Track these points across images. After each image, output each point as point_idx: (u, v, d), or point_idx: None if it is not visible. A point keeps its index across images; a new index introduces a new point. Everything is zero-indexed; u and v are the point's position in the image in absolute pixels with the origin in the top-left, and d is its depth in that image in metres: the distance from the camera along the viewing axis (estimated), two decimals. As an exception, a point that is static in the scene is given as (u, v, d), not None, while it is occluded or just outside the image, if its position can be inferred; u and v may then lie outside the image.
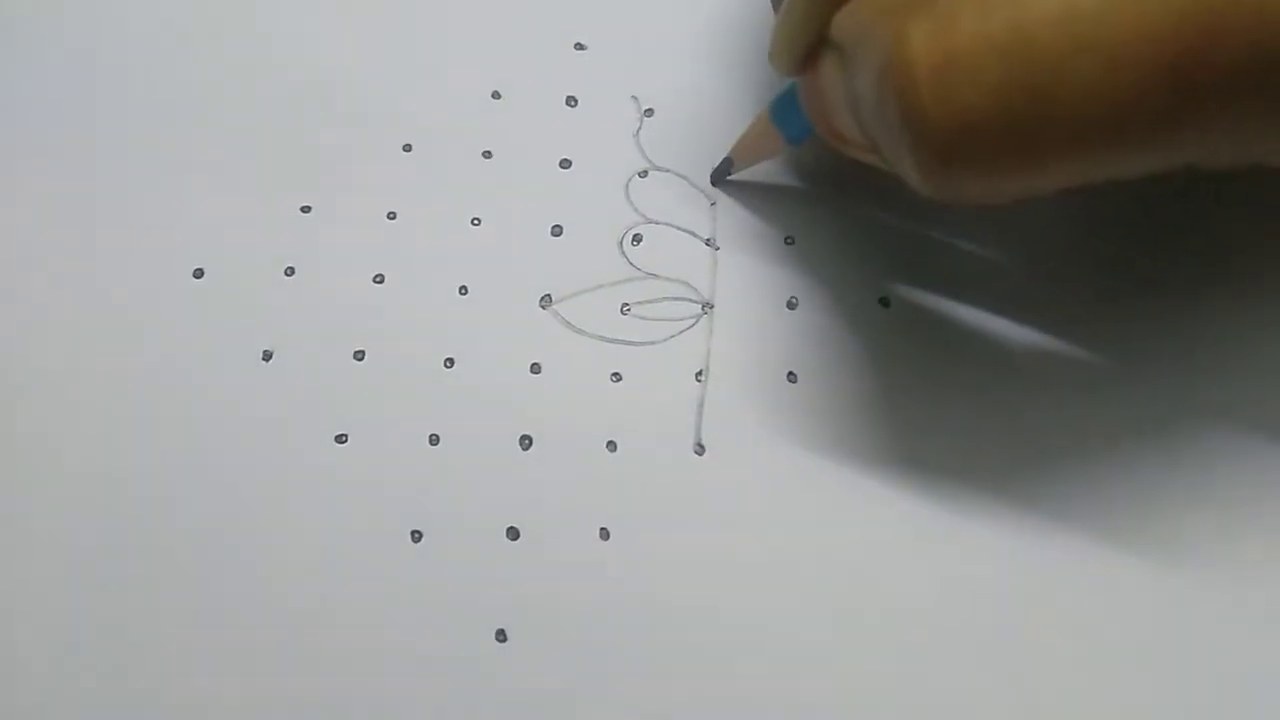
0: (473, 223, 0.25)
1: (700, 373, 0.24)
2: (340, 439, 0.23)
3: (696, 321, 0.24)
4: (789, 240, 0.25)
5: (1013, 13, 0.16)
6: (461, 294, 0.25)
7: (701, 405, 0.23)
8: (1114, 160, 0.16)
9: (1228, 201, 0.25)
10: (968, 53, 0.16)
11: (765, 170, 0.26)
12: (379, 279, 0.25)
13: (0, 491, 0.23)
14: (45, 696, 0.21)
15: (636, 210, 0.26)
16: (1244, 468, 0.23)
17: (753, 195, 0.26)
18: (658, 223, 0.26)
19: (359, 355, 0.24)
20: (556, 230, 0.25)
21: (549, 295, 0.25)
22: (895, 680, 0.21)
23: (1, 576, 0.22)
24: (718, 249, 0.25)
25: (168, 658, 0.21)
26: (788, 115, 0.23)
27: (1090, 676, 0.21)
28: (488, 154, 0.26)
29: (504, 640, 0.22)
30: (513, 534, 0.22)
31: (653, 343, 0.24)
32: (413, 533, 0.22)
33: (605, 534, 0.22)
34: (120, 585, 0.22)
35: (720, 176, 0.26)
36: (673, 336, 0.24)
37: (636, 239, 0.25)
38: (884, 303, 0.24)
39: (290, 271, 0.25)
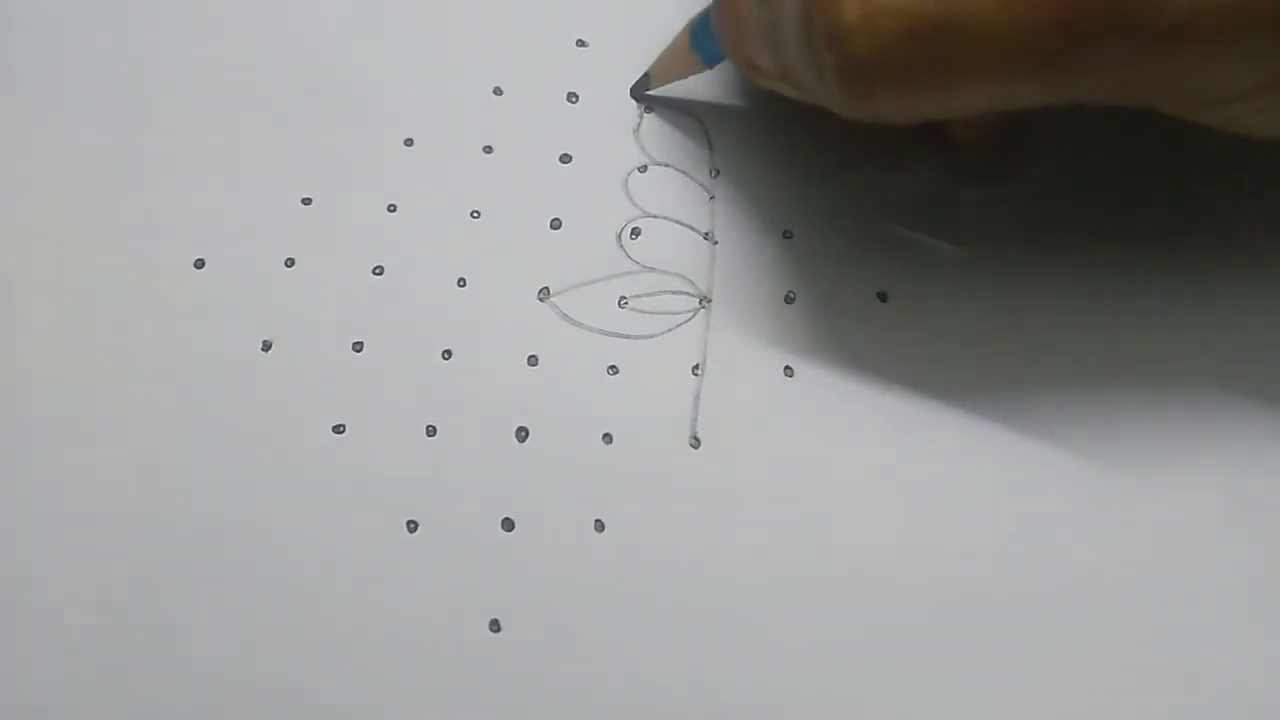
0: (472, 216, 0.26)
1: (697, 367, 0.24)
2: (338, 429, 0.23)
3: (694, 315, 0.24)
4: (787, 234, 0.25)
5: None
6: (460, 286, 0.25)
7: (698, 399, 0.23)
8: (1017, 86, 0.18)
9: (1227, 187, 0.25)
10: None
11: (764, 166, 0.26)
12: (378, 271, 0.25)
13: None
14: (41, 683, 0.21)
15: (635, 205, 0.26)
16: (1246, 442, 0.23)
17: (752, 190, 0.26)
18: (656, 217, 0.26)
19: (358, 346, 0.24)
20: (555, 224, 0.26)
21: (547, 288, 0.25)
22: (891, 673, 0.21)
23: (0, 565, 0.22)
24: (716, 243, 0.25)
25: (163, 645, 0.21)
26: (705, 38, 0.24)
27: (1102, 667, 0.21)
28: (488, 149, 0.26)
29: (498, 630, 0.22)
30: (508, 525, 0.22)
31: (650, 336, 0.24)
32: (409, 523, 0.22)
33: (600, 526, 0.22)
34: (117, 574, 0.22)
35: (639, 91, 0.27)
36: (670, 330, 0.24)
37: (635, 233, 0.25)
38: (882, 297, 0.24)
39: (290, 263, 0.25)
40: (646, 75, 0.26)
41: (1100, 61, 0.18)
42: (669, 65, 0.26)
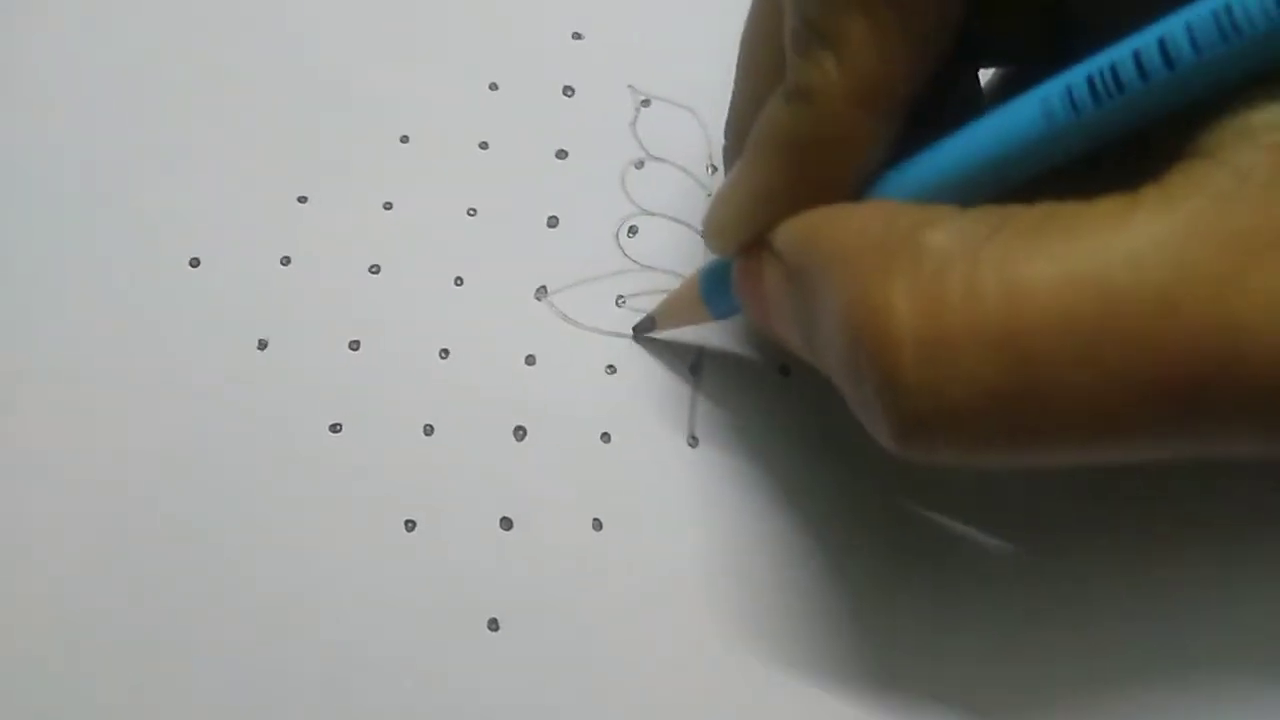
0: (468, 213, 0.25)
1: (694, 365, 0.24)
2: (335, 428, 0.23)
3: (692, 315, 0.24)
4: (784, 233, 0.25)
5: (1007, 306, 0.14)
6: (457, 285, 0.25)
7: (695, 398, 0.24)
8: (1110, 458, 0.15)
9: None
10: (958, 340, 0.15)
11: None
12: (375, 269, 0.25)
13: (-3, 479, 0.23)
14: (39, 684, 0.21)
15: (632, 201, 0.26)
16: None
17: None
18: (654, 214, 0.26)
19: (354, 345, 0.24)
20: (552, 221, 0.25)
21: (544, 287, 0.25)
22: (889, 673, 0.22)
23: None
24: (713, 241, 0.25)
25: (161, 644, 0.21)
26: (718, 292, 0.22)
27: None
28: (484, 145, 0.26)
29: (496, 629, 0.22)
30: (506, 524, 0.22)
31: (647, 335, 0.24)
32: (406, 522, 0.22)
33: (598, 525, 0.22)
34: (113, 574, 0.22)
35: (642, 332, 0.24)
36: (667, 329, 0.24)
37: (632, 231, 0.25)
38: (879, 296, 0.24)
39: (286, 261, 0.25)
40: (650, 318, 0.24)
41: (1232, 436, 0.15)
42: (676, 313, 0.23)
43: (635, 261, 0.25)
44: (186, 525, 0.22)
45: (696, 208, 0.26)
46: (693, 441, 0.23)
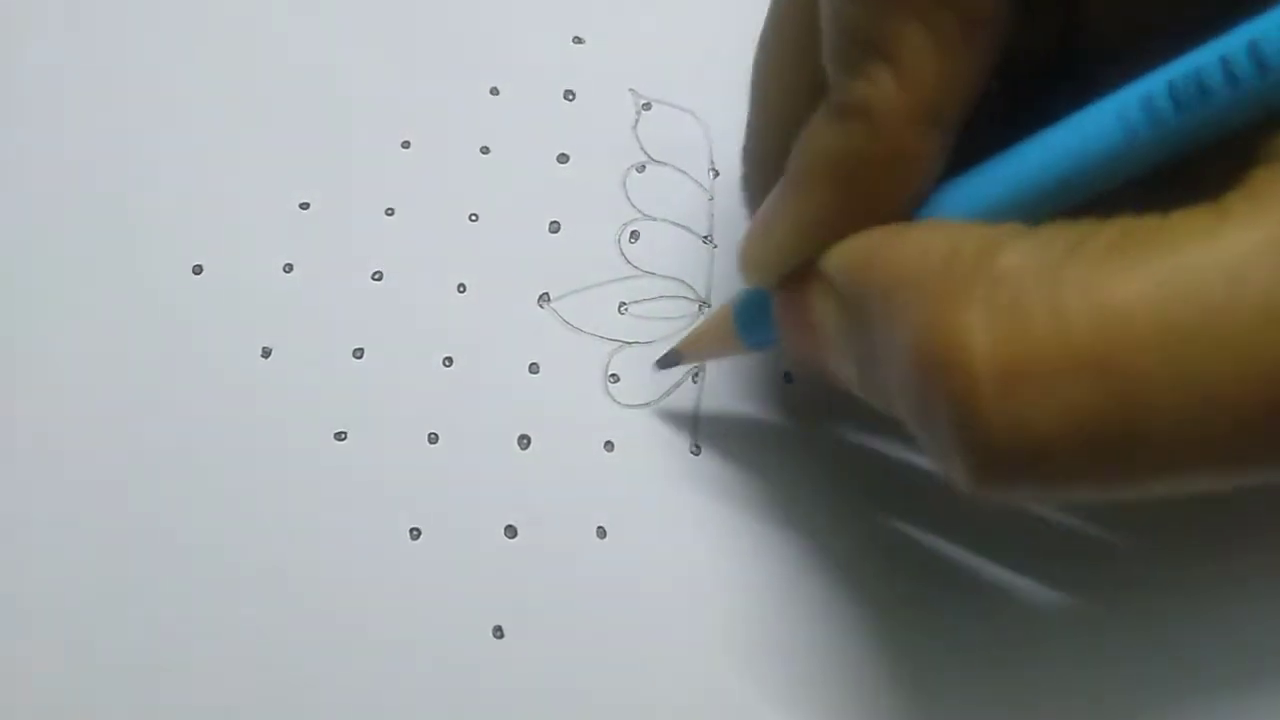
0: (470, 219, 0.25)
1: (697, 373, 0.24)
2: (339, 436, 0.23)
3: (694, 321, 0.24)
4: (787, 238, 0.25)
5: (1099, 327, 0.13)
6: (460, 291, 0.25)
7: (698, 405, 0.24)
8: (1204, 486, 0.14)
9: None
10: (1044, 365, 0.13)
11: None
12: (378, 276, 0.25)
13: None
14: (39, 689, 0.21)
15: (634, 205, 0.26)
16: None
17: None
18: (655, 219, 0.26)
19: (358, 353, 0.24)
20: (554, 226, 0.25)
21: (547, 294, 0.25)
22: (892, 679, 0.22)
23: None
24: (715, 246, 0.25)
25: (165, 654, 0.22)
26: (755, 323, 0.20)
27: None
28: (485, 150, 0.26)
29: (501, 637, 0.22)
30: (511, 532, 0.23)
31: (650, 342, 0.24)
32: (411, 530, 0.23)
33: (602, 532, 0.23)
34: (117, 582, 0.22)
35: (666, 365, 0.23)
36: (670, 336, 0.24)
37: (634, 235, 0.25)
38: (880, 302, 0.24)
39: (289, 268, 0.25)
40: (675, 351, 0.23)
41: None
42: (706, 345, 0.22)
43: (636, 267, 0.25)
44: (189, 533, 0.22)
45: (698, 211, 0.26)
46: (695, 449, 0.23)
